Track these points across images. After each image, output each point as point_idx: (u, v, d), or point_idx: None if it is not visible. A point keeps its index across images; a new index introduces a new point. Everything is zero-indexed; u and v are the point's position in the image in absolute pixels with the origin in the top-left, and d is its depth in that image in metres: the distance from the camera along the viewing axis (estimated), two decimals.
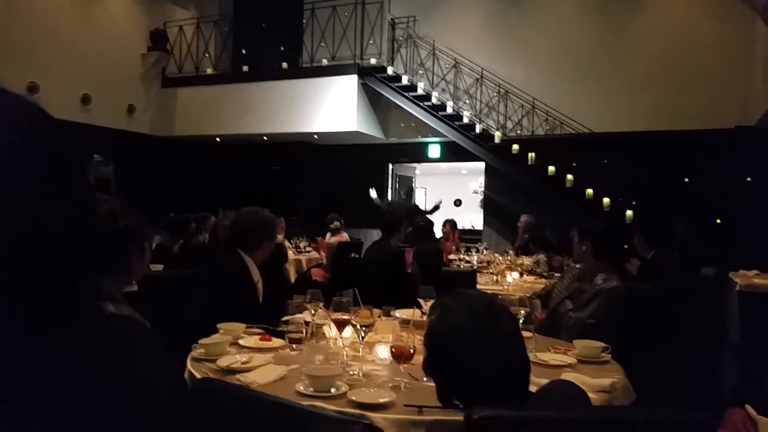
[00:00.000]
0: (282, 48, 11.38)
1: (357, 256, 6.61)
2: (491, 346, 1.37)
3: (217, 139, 11.45)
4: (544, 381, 1.75)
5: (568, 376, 2.13)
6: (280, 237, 6.81)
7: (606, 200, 8.68)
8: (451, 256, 6.49)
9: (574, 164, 9.15)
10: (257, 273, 3.06)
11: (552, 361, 2.31)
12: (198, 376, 2.02)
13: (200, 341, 2.27)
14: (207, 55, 11.30)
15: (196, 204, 7.77)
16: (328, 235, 7.30)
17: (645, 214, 8.17)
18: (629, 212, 8.46)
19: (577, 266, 3.64)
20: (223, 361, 2.11)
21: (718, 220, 8.48)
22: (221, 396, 1.44)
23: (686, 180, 8.80)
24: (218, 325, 2.50)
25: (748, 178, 7.93)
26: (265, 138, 11.08)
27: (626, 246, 5.60)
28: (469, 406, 1.40)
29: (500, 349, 1.37)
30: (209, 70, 11.30)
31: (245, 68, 11.13)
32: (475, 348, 1.37)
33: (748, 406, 1.77)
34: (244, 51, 11.87)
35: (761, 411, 1.78)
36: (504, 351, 1.38)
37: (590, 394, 1.70)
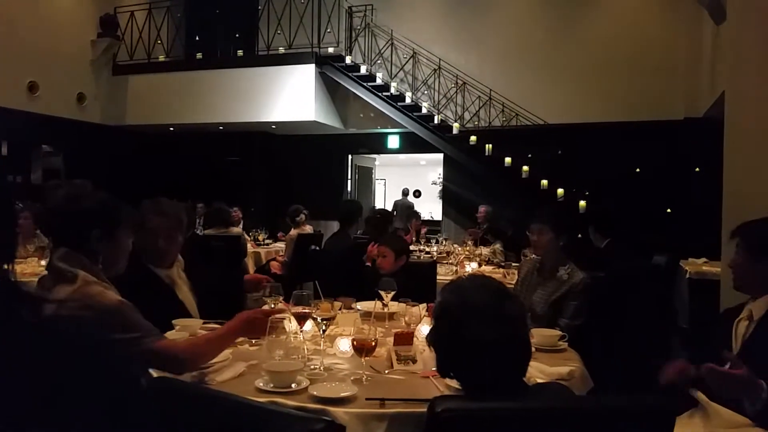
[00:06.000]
0: (237, 35, 11.15)
1: (317, 248, 6.55)
2: (497, 323, 1.39)
3: (171, 129, 11.17)
4: None
5: None
6: (237, 229, 6.71)
7: (560, 191, 8.86)
8: (411, 248, 6.50)
9: (530, 155, 9.29)
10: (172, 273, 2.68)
11: None
12: (154, 374, 1.97)
13: None
14: (159, 41, 10.98)
15: (150, 196, 7.57)
16: (292, 228, 7.19)
17: (598, 204, 8.36)
18: (582, 202, 8.65)
19: (533, 257, 3.63)
20: None
21: (669, 210, 8.76)
22: (177, 395, 1.40)
23: (637, 170, 9.05)
24: (174, 321, 2.43)
25: (697, 168, 8.19)
26: (221, 128, 10.87)
27: (579, 235, 5.73)
28: (466, 381, 1.45)
29: (505, 327, 1.40)
30: (162, 57, 10.99)
31: (199, 55, 10.87)
32: (482, 322, 1.39)
33: (698, 392, 1.82)
34: (197, 38, 11.59)
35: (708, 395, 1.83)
36: (508, 330, 1.40)
37: None
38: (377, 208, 9.66)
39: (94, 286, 1.71)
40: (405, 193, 13.46)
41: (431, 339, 1.52)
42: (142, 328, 1.76)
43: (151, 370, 2.02)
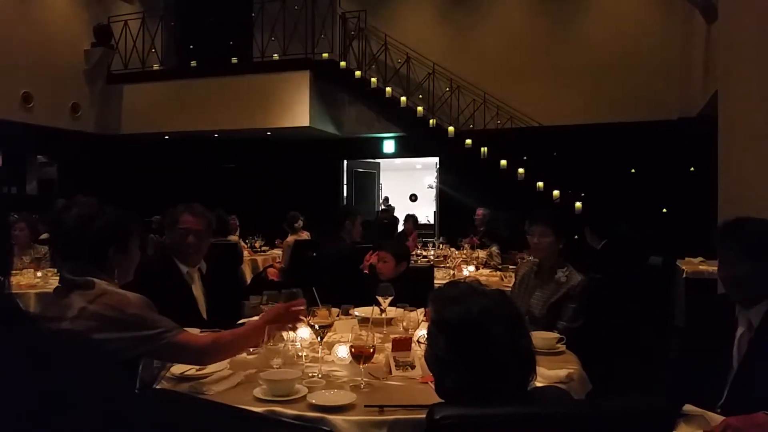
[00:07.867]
0: (231, 43, 11.16)
1: (315, 254, 6.54)
2: (505, 327, 1.32)
3: (166, 137, 11.16)
4: None
5: None
6: (233, 237, 6.70)
7: (556, 192, 8.87)
8: None
9: (525, 158, 9.30)
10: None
11: None
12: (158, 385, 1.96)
13: None
14: (153, 50, 10.98)
15: (146, 205, 7.55)
16: (289, 235, 7.19)
17: (594, 206, 8.37)
18: (578, 204, 8.66)
19: (530, 258, 3.62)
20: (177, 369, 2.05)
21: (664, 210, 8.77)
22: (175, 406, 1.40)
23: (632, 171, 9.07)
24: None
25: (692, 168, 8.22)
26: (216, 135, 10.87)
27: (576, 237, 5.73)
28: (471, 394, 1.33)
29: (510, 330, 1.33)
30: (156, 66, 10.99)
31: (193, 63, 10.87)
32: (490, 328, 1.32)
33: (688, 405, 1.72)
34: (191, 46, 11.59)
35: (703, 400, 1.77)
36: (512, 333, 1.33)
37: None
38: (381, 215, 9.61)
39: (113, 291, 1.79)
40: (386, 200, 13.59)
41: (431, 357, 1.40)
42: (164, 323, 1.83)
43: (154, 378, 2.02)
